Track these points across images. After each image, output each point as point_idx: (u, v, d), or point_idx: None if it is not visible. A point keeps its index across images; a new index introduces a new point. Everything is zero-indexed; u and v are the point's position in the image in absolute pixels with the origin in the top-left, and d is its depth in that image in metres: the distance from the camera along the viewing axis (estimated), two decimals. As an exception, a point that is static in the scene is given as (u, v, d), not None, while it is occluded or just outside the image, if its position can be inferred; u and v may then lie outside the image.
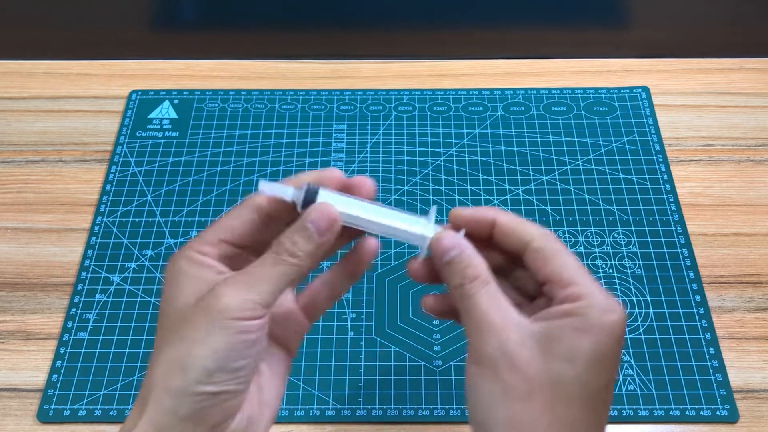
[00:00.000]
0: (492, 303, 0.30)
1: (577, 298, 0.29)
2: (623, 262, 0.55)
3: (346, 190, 0.32)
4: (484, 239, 0.33)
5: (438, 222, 0.32)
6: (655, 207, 0.58)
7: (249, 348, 0.28)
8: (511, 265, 0.33)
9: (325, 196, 0.31)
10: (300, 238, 0.29)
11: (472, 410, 0.30)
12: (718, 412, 0.48)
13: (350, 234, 0.33)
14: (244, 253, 0.31)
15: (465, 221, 0.32)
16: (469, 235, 0.32)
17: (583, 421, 0.28)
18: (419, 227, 0.32)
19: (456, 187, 0.60)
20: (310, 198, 0.30)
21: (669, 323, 0.52)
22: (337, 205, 0.30)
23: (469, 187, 0.60)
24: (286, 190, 0.30)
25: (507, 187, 0.59)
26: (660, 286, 0.54)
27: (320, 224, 0.29)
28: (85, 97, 0.67)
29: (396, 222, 0.32)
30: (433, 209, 0.32)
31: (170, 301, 0.30)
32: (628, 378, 0.49)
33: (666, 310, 0.52)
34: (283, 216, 0.31)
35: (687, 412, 0.48)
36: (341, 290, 0.34)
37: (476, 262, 0.31)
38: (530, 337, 0.29)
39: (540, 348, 0.29)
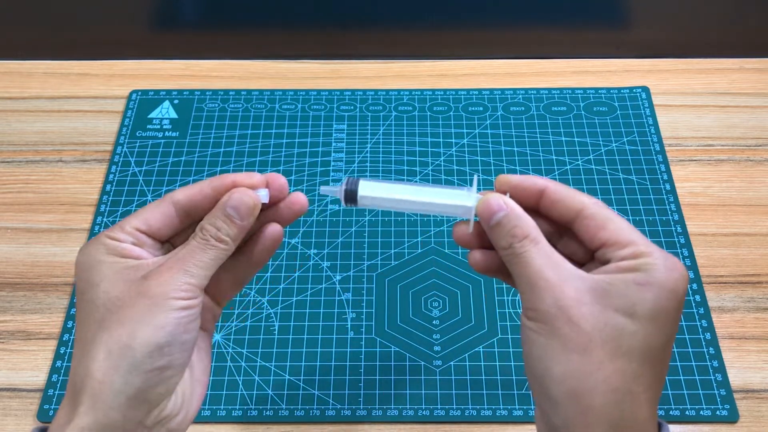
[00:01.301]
0: (545, 259, 0.30)
1: (639, 256, 0.29)
2: (623, 262, 0.55)
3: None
4: (532, 207, 0.33)
5: (480, 191, 0.33)
6: (655, 207, 0.58)
7: (191, 323, 0.30)
8: (557, 233, 0.33)
9: (365, 187, 0.33)
10: (223, 223, 0.31)
11: (529, 363, 0.30)
12: (718, 412, 0.48)
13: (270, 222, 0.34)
14: (157, 244, 0.33)
15: (512, 187, 0.33)
16: (518, 201, 0.32)
17: (642, 377, 0.28)
18: (461, 199, 0.33)
19: (456, 187, 0.60)
20: (352, 190, 0.33)
21: (669, 323, 0.52)
22: (379, 191, 0.33)
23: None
24: (335, 190, 0.34)
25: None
26: (660, 286, 0.54)
27: (242, 210, 0.31)
28: (85, 97, 0.67)
29: (438, 198, 0.33)
30: (476, 178, 0.34)
31: (93, 289, 0.30)
32: (628, 378, 0.49)
33: (666, 310, 0.52)
34: (199, 211, 0.32)
35: (687, 412, 0.48)
36: (246, 277, 0.35)
37: (525, 222, 0.31)
38: (588, 290, 0.29)
39: (599, 301, 0.28)
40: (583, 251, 0.32)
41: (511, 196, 0.32)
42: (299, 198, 0.34)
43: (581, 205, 0.31)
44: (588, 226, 0.31)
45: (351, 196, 0.34)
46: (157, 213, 0.32)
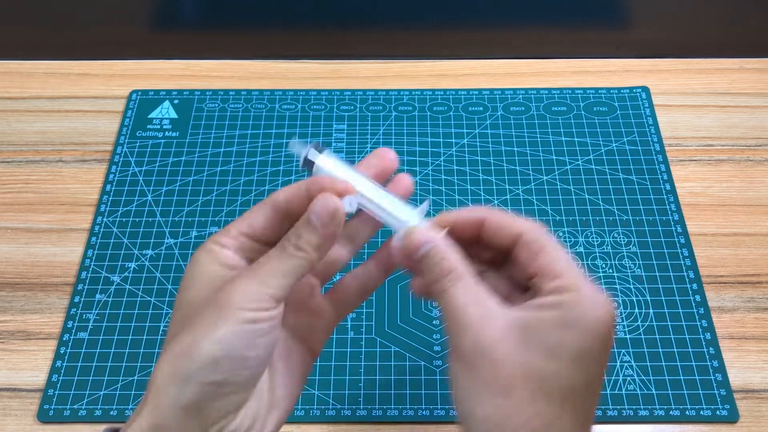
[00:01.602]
0: (468, 297, 0.29)
1: (563, 291, 0.28)
2: (623, 262, 0.55)
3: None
4: (475, 238, 0.32)
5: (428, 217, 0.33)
6: (655, 207, 0.58)
7: (257, 338, 0.28)
8: (502, 260, 0.33)
9: (324, 160, 0.32)
10: (304, 230, 0.30)
11: (455, 405, 0.29)
12: (718, 412, 0.48)
13: (374, 224, 0.33)
14: (262, 248, 0.31)
15: (450, 223, 0.32)
16: (458, 235, 0.32)
17: (564, 419, 0.28)
18: (405, 214, 0.32)
19: (456, 187, 0.60)
20: (310, 158, 0.32)
21: (669, 323, 0.52)
22: (335, 171, 0.32)
23: (469, 187, 0.60)
24: (301, 149, 0.33)
25: (507, 187, 0.59)
26: (660, 286, 0.54)
27: (322, 216, 0.30)
28: (85, 97, 0.67)
29: (386, 203, 0.32)
30: (427, 202, 0.33)
31: (182, 294, 0.30)
32: (628, 378, 0.49)
33: (666, 310, 0.52)
34: (297, 212, 0.31)
35: (687, 412, 0.48)
36: (373, 285, 0.35)
37: (450, 256, 0.30)
38: (511, 329, 0.28)
39: (521, 341, 0.28)
40: (525, 276, 0.31)
41: (451, 232, 0.32)
42: (405, 180, 0.34)
43: (519, 231, 0.31)
44: (523, 254, 0.30)
45: (308, 162, 0.33)
46: (259, 215, 0.31)
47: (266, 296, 0.28)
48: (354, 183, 0.32)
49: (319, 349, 0.34)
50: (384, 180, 0.33)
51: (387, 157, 0.34)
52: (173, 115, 0.65)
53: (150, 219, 0.58)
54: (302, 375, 0.33)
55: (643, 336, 0.51)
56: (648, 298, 0.53)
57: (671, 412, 0.48)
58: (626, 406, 0.48)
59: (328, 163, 0.32)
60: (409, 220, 0.32)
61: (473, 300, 0.29)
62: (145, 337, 0.51)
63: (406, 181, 0.34)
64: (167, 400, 0.27)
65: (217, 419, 0.28)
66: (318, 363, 0.50)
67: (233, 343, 0.28)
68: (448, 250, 0.30)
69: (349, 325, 0.52)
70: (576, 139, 0.63)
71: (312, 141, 0.34)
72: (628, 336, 0.51)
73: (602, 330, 0.28)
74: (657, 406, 0.48)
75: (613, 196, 0.59)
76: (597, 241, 0.56)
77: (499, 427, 0.27)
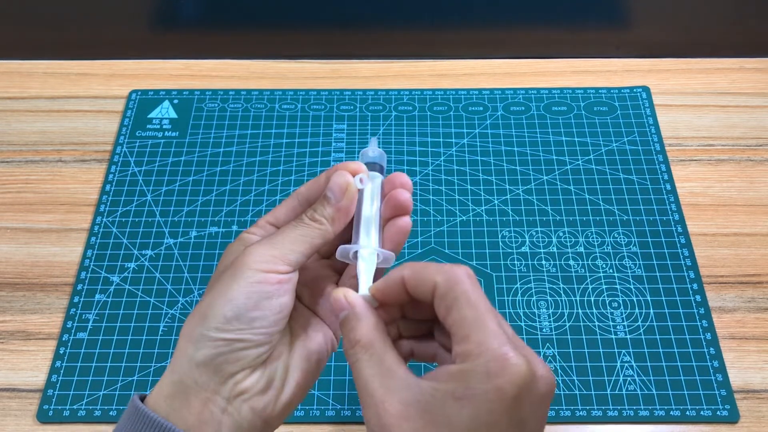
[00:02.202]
0: (374, 369, 0.28)
1: (467, 357, 0.26)
2: (623, 262, 0.55)
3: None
4: (404, 301, 0.31)
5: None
6: (655, 207, 0.58)
7: (266, 299, 0.30)
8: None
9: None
10: (320, 204, 0.32)
11: None
12: (718, 413, 0.48)
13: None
14: None
15: (381, 293, 0.31)
16: (391, 300, 0.31)
17: None
18: (367, 240, 0.33)
19: (456, 187, 0.60)
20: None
21: (669, 323, 0.52)
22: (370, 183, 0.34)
23: (469, 187, 0.60)
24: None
25: (507, 187, 0.59)
26: (660, 286, 0.54)
27: (335, 190, 0.32)
28: (85, 97, 0.67)
29: (361, 221, 0.33)
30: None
31: (215, 272, 0.33)
32: (629, 378, 0.49)
33: (666, 310, 0.52)
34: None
35: (687, 413, 0.48)
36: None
37: (360, 326, 0.29)
38: (414, 403, 0.27)
39: (422, 416, 0.26)
40: None
41: (379, 296, 0.31)
42: (402, 178, 0.34)
43: (432, 284, 0.29)
44: (439, 309, 0.29)
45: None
46: (285, 207, 0.34)
47: (276, 258, 0.30)
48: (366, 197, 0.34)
49: (338, 342, 0.35)
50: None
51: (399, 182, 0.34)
52: (173, 115, 0.65)
53: (149, 219, 0.58)
54: (318, 362, 0.33)
55: (643, 336, 0.51)
56: (648, 298, 0.53)
57: (672, 413, 0.48)
58: (626, 407, 0.48)
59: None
60: (360, 248, 0.32)
61: (380, 371, 0.28)
62: (144, 337, 0.51)
63: (401, 178, 0.34)
64: (185, 358, 0.30)
65: (232, 374, 0.30)
66: (318, 363, 0.50)
67: (241, 303, 0.29)
68: (359, 318, 0.30)
69: (349, 325, 0.52)
70: (576, 139, 0.63)
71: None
72: (628, 336, 0.51)
73: (504, 400, 0.25)
74: (657, 407, 0.48)
75: (613, 196, 0.59)
76: (597, 241, 0.56)
77: None
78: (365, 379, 0.28)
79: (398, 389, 0.27)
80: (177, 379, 0.29)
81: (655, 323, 0.52)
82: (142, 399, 0.30)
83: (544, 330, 0.51)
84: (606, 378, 0.49)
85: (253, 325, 0.30)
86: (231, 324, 0.29)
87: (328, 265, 0.36)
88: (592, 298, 0.53)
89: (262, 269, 0.30)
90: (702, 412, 0.48)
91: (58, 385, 0.49)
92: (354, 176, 0.33)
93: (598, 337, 0.51)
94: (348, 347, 0.30)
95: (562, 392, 0.49)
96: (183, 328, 0.30)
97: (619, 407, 0.48)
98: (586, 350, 0.50)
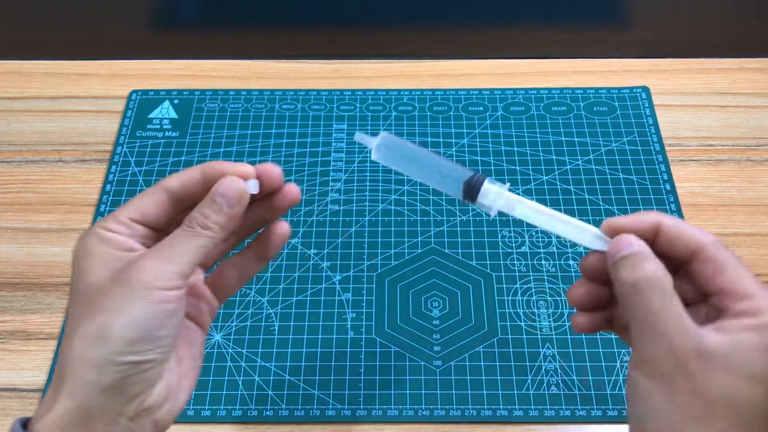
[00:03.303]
0: (667, 306, 0.28)
1: (759, 313, 0.27)
2: (623, 262, 0.55)
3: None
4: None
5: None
6: (655, 207, 0.58)
7: (169, 317, 0.29)
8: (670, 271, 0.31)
9: (490, 190, 0.34)
10: (211, 211, 0.31)
11: (636, 421, 0.28)
12: (718, 412, 0.48)
13: (261, 218, 0.34)
14: (154, 234, 0.32)
15: (620, 228, 0.31)
16: None
17: None
18: (591, 230, 0.32)
19: (456, 187, 0.60)
20: (476, 187, 0.34)
21: (669, 323, 0.52)
22: (517, 207, 0.34)
23: (469, 187, 0.60)
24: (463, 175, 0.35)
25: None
26: (660, 286, 0.54)
27: (230, 197, 0.31)
28: (85, 97, 0.67)
29: (570, 225, 0.33)
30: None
31: (81, 277, 0.30)
32: (628, 378, 0.49)
33: (666, 310, 0.52)
34: (193, 198, 0.32)
35: (687, 412, 0.48)
36: (250, 272, 0.35)
37: (648, 264, 0.29)
38: (707, 351, 0.27)
39: (719, 365, 0.26)
40: (694, 292, 0.30)
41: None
42: (292, 189, 0.34)
43: (698, 245, 0.30)
44: (704, 269, 0.29)
45: (471, 193, 0.34)
46: (150, 201, 0.31)
47: (175, 275, 0.29)
48: (536, 212, 0.34)
49: (208, 327, 0.35)
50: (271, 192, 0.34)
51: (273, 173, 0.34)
52: (173, 115, 0.65)
53: (150, 219, 0.58)
54: (200, 350, 0.34)
55: (643, 336, 0.51)
56: (648, 298, 0.53)
57: (671, 412, 0.48)
58: (626, 406, 0.48)
59: (493, 191, 0.34)
60: (596, 232, 0.32)
61: (671, 310, 0.28)
62: (145, 337, 0.51)
63: (293, 191, 0.34)
64: (86, 383, 0.28)
65: (137, 394, 0.29)
66: (318, 363, 0.50)
67: (147, 323, 0.28)
68: (647, 258, 0.30)
69: (349, 325, 0.52)
70: (576, 139, 0.63)
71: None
72: (628, 336, 0.51)
73: None
74: None
75: (613, 196, 0.59)
76: (597, 241, 0.56)
77: None
78: (656, 312, 0.28)
79: (692, 333, 0.27)
80: (77, 405, 0.28)
81: (654, 323, 0.52)
82: (24, 424, 0.29)
83: (544, 330, 0.52)
84: (606, 378, 0.49)
85: (159, 344, 0.29)
86: (136, 346, 0.28)
87: None
88: (592, 298, 0.53)
89: (164, 287, 0.29)
90: (702, 412, 0.48)
91: (58, 385, 0.49)
92: (245, 180, 0.32)
93: (598, 337, 0.51)
94: (635, 276, 0.29)
95: (561, 392, 0.49)
96: (73, 348, 0.28)
97: (618, 407, 0.48)
98: (586, 350, 0.51)
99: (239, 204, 0.31)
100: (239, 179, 0.32)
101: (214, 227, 0.31)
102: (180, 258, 0.30)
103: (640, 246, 0.30)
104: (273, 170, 0.33)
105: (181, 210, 0.32)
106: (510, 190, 0.35)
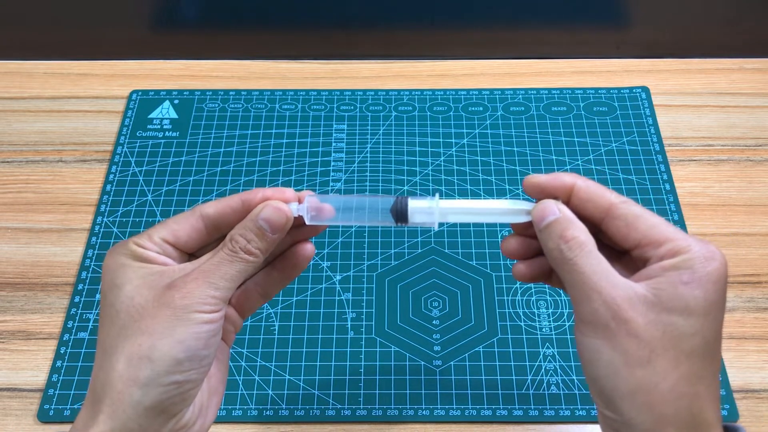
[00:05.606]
0: (594, 266, 0.29)
1: (678, 252, 0.29)
2: (623, 262, 0.55)
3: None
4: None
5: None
6: (655, 207, 0.58)
7: (212, 338, 0.30)
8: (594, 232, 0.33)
9: (417, 208, 0.34)
10: (254, 236, 0.31)
11: (592, 381, 0.30)
12: (717, 412, 0.48)
13: (293, 239, 0.34)
14: (183, 256, 0.32)
15: (541, 187, 0.32)
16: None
17: (704, 374, 0.28)
18: (518, 204, 0.33)
19: (456, 188, 0.60)
20: (402, 209, 0.34)
21: (669, 323, 0.52)
22: (450, 216, 0.34)
23: (469, 187, 0.60)
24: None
25: (507, 187, 0.60)
26: (660, 286, 0.54)
27: (275, 223, 0.31)
28: (85, 97, 0.67)
29: (495, 206, 0.34)
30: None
31: (116, 294, 0.30)
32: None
33: (666, 310, 0.52)
34: (227, 226, 0.32)
35: (687, 412, 0.48)
36: (273, 291, 0.35)
37: (573, 226, 0.31)
38: (640, 297, 0.28)
39: (650, 308, 0.28)
40: (611, 251, 0.32)
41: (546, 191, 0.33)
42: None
43: (608, 204, 0.31)
44: (618, 227, 0.31)
45: (400, 216, 0.34)
46: (186, 225, 0.32)
47: (217, 300, 0.30)
48: (462, 205, 0.34)
49: (231, 343, 0.35)
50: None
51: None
52: (173, 115, 0.65)
53: (150, 219, 0.58)
54: (225, 366, 0.35)
55: (642, 336, 0.51)
56: (648, 298, 0.53)
57: (671, 412, 0.48)
58: (626, 406, 0.48)
59: (418, 204, 0.35)
60: (524, 206, 0.33)
61: (599, 268, 0.29)
62: (145, 337, 0.51)
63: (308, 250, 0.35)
64: (130, 404, 0.28)
65: (174, 414, 0.30)
66: (318, 363, 0.50)
67: (193, 345, 0.29)
68: (574, 220, 0.31)
69: (349, 325, 0.52)
70: (576, 139, 0.63)
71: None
72: (627, 336, 0.51)
73: (722, 278, 0.29)
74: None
75: (613, 196, 0.59)
76: (597, 241, 0.56)
77: (648, 397, 0.28)
78: (587, 273, 0.29)
79: (621, 286, 0.29)
80: (119, 426, 0.28)
81: (654, 323, 0.52)
82: None
83: (544, 330, 0.52)
84: (605, 378, 0.49)
85: (201, 363, 0.30)
86: (182, 365, 0.29)
87: None
88: (592, 298, 0.53)
89: (207, 311, 0.30)
90: (701, 412, 0.48)
91: (59, 385, 0.49)
92: (288, 204, 0.32)
93: (598, 337, 0.51)
94: (562, 247, 0.30)
95: (561, 392, 0.49)
96: (114, 369, 0.29)
97: (618, 407, 0.48)
98: (585, 350, 0.51)
99: (283, 230, 0.32)
100: (284, 204, 0.32)
101: (257, 252, 0.31)
102: (223, 283, 0.30)
103: (561, 211, 0.31)
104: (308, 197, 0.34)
105: (216, 237, 0.33)
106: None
